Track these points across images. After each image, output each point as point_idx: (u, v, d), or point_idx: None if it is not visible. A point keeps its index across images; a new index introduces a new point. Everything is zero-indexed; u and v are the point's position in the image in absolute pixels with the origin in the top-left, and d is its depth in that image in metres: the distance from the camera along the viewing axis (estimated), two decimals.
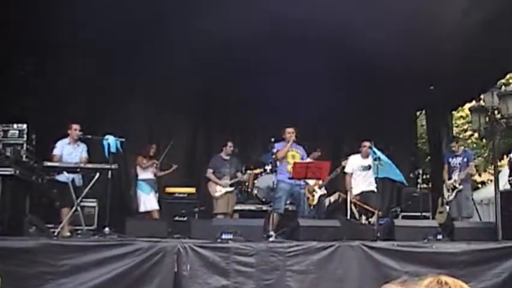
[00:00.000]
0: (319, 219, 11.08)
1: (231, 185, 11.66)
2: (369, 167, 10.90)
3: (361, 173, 11.00)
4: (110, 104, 12.73)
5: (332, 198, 12.57)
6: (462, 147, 11.76)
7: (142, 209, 11.64)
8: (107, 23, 9.87)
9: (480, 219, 13.38)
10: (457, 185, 11.20)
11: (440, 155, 13.00)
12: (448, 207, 11.55)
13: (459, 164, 11.34)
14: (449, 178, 11.38)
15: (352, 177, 11.06)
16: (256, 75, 12.52)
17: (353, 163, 11.09)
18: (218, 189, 11.65)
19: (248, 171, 12.13)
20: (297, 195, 10.59)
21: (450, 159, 11.52)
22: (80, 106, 11.87)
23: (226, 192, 11.66)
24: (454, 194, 11.20)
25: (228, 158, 11.91)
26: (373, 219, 10.57)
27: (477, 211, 13.70)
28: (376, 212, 10.59)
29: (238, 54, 11.46)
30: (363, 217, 10.67)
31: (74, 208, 9.42)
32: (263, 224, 9.62)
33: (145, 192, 11.67)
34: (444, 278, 1.24)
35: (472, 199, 12.08)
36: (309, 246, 8.45)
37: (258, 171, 12.34)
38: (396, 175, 10.71)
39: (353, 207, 10.82)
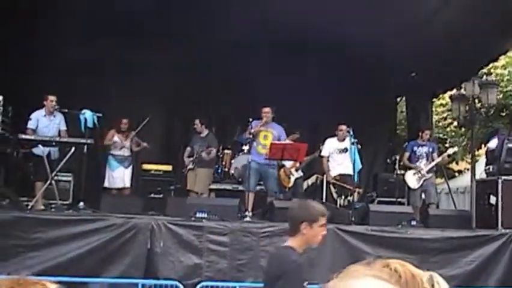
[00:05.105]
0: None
1: (192, 162, 11.46)
2: (345, 150, 10.84)
3: (338, 155, 10.94)
4: (87, 80, 12.52)
5: (310, 181, 12.57)
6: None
7: (106, 184, 11.34)
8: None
9: (455, 207, 13.49)
10: (425, 173, 11.18)
11: None
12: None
13: (425, 153, 11.32)
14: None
15: (329, 160, 11.02)
16: (238, 57, 12.45)
17: (329, 146, 11.03)
18: (185, 166, 11.61)
19: (205, 151, 11.60)
20: (264, 174, 10.31)
21: (415, 148, 11.43)
22: (57, 80, 11.64)
23: (189, 170, 11.48)
24: (421, 181, 11.18)
25: (204, 135, 11.69)
26: (353, 197, 10.60)
27: (452, 199, 13.82)
28: (356, 190, 10.61)
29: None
30: (342, 197, 10.64)
31: (48, 182, 9.28)
32: (238, 204, 9.62)
33: (110, 169, 11.36)
34: (394, 265, 1.20)
35: (435, 188, 12.10)
36: (283, 228, 8.45)
37: (214, 152, 11.87)
38: (356, 168, 10.67)
39: (331, 187, 10.78)
